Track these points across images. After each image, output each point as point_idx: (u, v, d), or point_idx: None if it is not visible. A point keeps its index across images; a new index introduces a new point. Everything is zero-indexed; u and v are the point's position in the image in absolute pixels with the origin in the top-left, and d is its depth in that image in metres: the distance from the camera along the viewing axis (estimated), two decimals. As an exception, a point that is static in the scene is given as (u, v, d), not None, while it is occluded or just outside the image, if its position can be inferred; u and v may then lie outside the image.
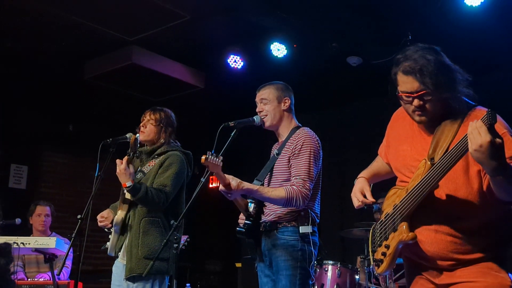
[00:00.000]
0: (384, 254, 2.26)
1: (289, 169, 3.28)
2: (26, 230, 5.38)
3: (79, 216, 3.43)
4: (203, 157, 2.89)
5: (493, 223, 2.14)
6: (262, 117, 3.42)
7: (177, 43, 6.33)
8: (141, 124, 3.80)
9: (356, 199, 2.43)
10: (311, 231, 3.21)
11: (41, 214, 5.39)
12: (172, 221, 2.91)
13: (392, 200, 2.31)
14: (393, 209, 2.25)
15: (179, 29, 5.85)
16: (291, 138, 3.35)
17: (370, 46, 6.04)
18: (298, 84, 6.81)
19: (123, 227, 3.64)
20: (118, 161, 3.45)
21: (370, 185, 2.54)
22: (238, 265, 8.04)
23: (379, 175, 2.59)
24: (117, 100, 7.69)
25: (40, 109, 7.69)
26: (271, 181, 3.35)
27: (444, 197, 2.15)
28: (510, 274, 2.14)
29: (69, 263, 5.41)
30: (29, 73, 6.90)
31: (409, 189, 2.18)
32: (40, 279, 4.87)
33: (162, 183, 3.55)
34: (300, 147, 3.24)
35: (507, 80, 5.89)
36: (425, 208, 2.15)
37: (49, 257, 4.41)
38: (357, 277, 4.77)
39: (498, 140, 1.85)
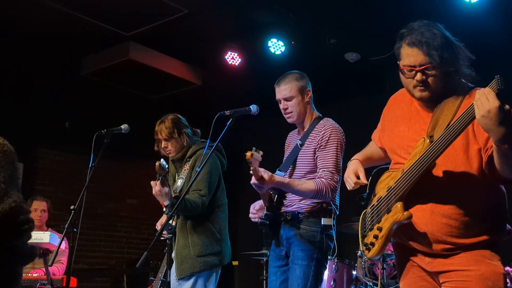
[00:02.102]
0: (376, 236, 2.21)
1: (314, 160, 3.26)
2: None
3: (72, 207, 3.39)
4: (249, 153, 2.95)
5: (489, 207, 2.11)
6: (287, 116, 3.38)
7: (175, 39, 6.31)
8: (161, 146, 3.83)
9: (350, 180, 2.38)
10: (332, 224, 3.22)
11: (37, 209, 5.35)
12: (166, 211, 2.90)
13: (386, 183, 2.25)
14: (387, 191, 2.20)
15: (177, 24, 5.83)
16: (315, 129, 3.31)
17: (368, 42, 6.02)
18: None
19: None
20: (152, 183, 3.49)
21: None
22: (235, 263, 8.00)
23: (372, 159, 2.55)
24: (114, 97, 7.65)
25: (36, 105, 7.65)
26: (295, 172, 3.32)
27: (441, 177, 2.10)
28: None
29: (64, 259, 5.36)
30: (25, 69, 6.86)
31: (405, 169, 2.13)
32: (34, 275, 4.83)
33: (196, 188, 3.60)
34: (327, 139, 3.22)
35: (505, 75, 5.87)
36: (421, 188, 2.10)
37: (43, 252, 4.37)
38: (354, 272, 4.74)
39: (507, 106, 1.81)
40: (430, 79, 2.10)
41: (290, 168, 3.34)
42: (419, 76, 2.10)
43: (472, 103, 1.89)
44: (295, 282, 3.13)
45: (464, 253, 2.08)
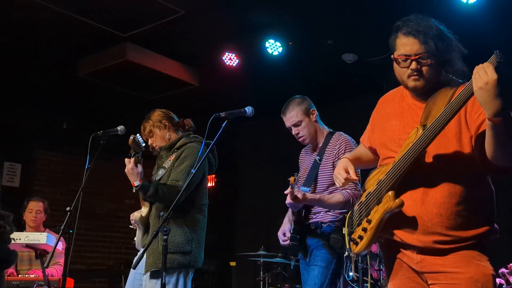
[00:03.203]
0: (364, 229, 2.17)
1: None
2: (20, 226, 5.33)
3: (68, 208, 3.38)
4: (292, 178, 3.22)
5: (479, 199, 2.11)
6: (301, 140, 3.59)
7: (172, 40, 6.31)
8: (149, 142, 3.80)
9: (340, 177, 2.37)
10: None
11: (33, 210, 5.33)
12: (162, 213, 2.87)
13: (376, 179, 2.24)
14: (377, 184, 2.19)
15: (174, 25, 5.83)
16: (330, 144, 3.52)
17: (366, 43, 6.02)
18: (293, 81, 6.86)
19: (149, 224, 3.62)
20: (126, 160, 3.42)
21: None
22: (233, 264, 8.01)
23: (361, 160, 2.54)
24: (111, 98, 7.66)
25: (34, 106, 7.65)
26: (317, 186, 3.50)
27: (433, 166, 2.11)
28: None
29: (62, 260, 5.35)
30: (22, 70, 6.85)
31: (397, 160, 2.13)
32: (31, 275, 4.83)
33: (174, 178, 3.51)
34: (343, 152, 3.41)
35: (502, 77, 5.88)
36: (413, 177, 2.10)
37: (40, 253, 4.37)
38: (351, 274, 4.72)
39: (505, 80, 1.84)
40: (424, 68, 2.14)
41: (313, 183, 3.52)
42: (414, 65, 2.13)
43: (470, 81, 1.91)
44: (312, 281, 3.32)
45: (453, 254, 2.07)
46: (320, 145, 3.59)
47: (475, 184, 2.10)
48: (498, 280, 4.33)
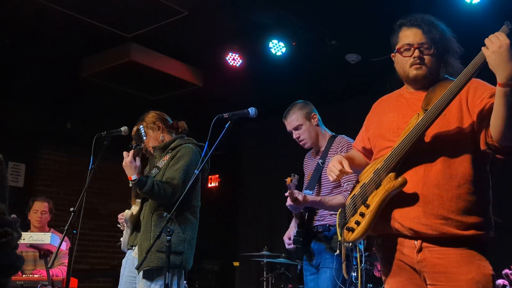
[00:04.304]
0: (362, 214, 2.13)
1: None
2: (24, 225, 5.35)
3: (71, 209, 3.38)
4: (289, 179, 3.28)
5: (478, 186, 2.12)
6: (302, 143, 3.62)
7: (176, 40, 6.32)
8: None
9: (335, 169, 2.32)
10: None
11: (38, 210, 5.35)
12: (165, 214, 2.87)
13: (371, 171, 2.23)
14: (374, 173, 2.18)
15: (178, 26, 5.84)
16: (333, 146, 3.54)
17: (369, 43, 6.02)
18: (296, 82, 6.87)
19: (138, 222, 3.59)
20: (125, 153, 3.40)
21: None
22: (236, 264, 8.02)
23: (353, 161, 2.51)
24: (115, 98, 7.67)
25: (38, 106, 7.66)
26: (322, 189, 3.51)
27: (434, 149, 2.13)
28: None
29: (66, 261, 5.35)
30: (26, 70, 6.87)
31: (396, 145, 2.13)
32: (35, 275, 4.84)
33: (170, 176, 3.48)
34: (345, 152, 3.41)
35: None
36: (413, 161, 2.12)
37: (44, 253, 4.38)
38: (354, 274, 4.72)
39: None
40: (426, 57, 2.22)
41: (316, 186, 3.53)
42: (416, 52, 2.21)
43: (479, 53, 1.99)
44: (325, 284, 3.33)
45: (454, 250, 2.06)
46: (322, 148, 3.61)
47: (476, 170, 2.12)
48: (501, 281, 4.32)
